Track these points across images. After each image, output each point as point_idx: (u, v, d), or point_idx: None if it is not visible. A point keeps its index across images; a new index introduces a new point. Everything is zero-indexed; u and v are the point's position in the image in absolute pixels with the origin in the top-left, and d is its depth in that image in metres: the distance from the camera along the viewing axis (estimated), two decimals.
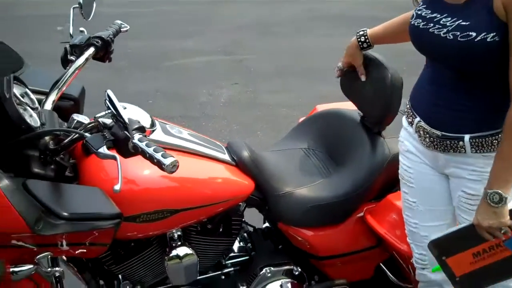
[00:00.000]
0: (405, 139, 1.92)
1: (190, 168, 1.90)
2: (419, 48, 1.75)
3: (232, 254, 2.23)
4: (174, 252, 1.99)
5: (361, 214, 2.13)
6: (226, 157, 2.04)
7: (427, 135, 1.78)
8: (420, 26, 1.70)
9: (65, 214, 1.54)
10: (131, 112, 1.82)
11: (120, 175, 1.48)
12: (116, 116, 1.54)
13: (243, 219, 2.18)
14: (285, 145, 2.32)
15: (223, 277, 2.21)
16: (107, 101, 1.56)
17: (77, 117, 1.83)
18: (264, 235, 2.28)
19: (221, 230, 2.07)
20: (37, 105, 1.82)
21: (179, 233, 2.00)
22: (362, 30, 2.10)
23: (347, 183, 2.10)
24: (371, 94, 2.11)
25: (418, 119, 1.81)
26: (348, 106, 2.35)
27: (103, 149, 1.54)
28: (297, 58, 6.01)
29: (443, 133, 1.73)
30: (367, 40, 2.08)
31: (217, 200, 1.94)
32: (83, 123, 1.81)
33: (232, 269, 2.21)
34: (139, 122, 1.58)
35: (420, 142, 1.83)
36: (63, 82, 1.95)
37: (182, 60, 6.04)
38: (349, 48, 2.13)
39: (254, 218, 2.34)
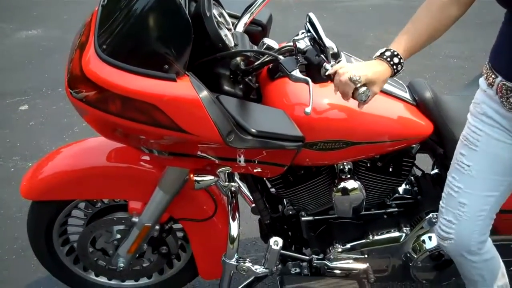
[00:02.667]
0: (482, 102, 1.76)
1: (371, 103, 1.89)
2: None
3: (397, 195, 2.21)
4: (342, 185, 2.02)
5: None
6: (407, 95, 2.01)
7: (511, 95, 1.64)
8: None
9: (254, 130, 1.62)
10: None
11: (311, 98, 1.52)
12: (316, 39, 1.56)
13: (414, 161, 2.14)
14: (469, 91, 2.22)
15: (385, 216, 2.21)
16: (307, 24, 1.58)
17: (267, 41, 1.88)
18: (433, 181, 2.23)
19: (390, 169, 2.06)
20: (231, 26, 1.89)
21: (349, 166, 2.03)
22: (391, 53, 1.65)
23: None
24: None
25: (500, 78, 1.66)
26: None
27: (296, 72, 1.58)
28: (484, 6, 5.66)
29: None
30: (402, 64, 1.66)
31: (393, 138, 1.92)
32: (273, 47, 1.86)
33: (396, 209, 2.20)
34: (333, 48, 1.59)
35: (502, 104, 1.68)
36: (255, 7, 2.00)
37: (353, 2, 5.94)
38: (382, 81, 1.64)
39: (422, 163, 2.30)
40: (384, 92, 1.94)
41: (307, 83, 1.55)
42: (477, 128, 1.77)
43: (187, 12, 1.71)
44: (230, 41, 1.80)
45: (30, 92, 4.25)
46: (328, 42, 1.67)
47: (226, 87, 1.77)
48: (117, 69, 1.56)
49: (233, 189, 1.94)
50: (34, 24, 5.34)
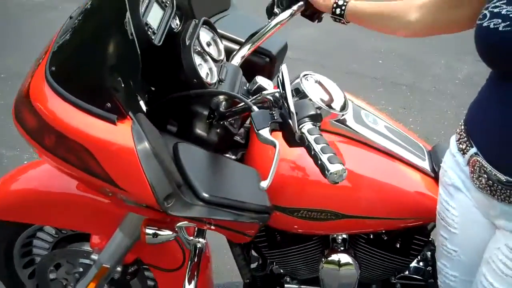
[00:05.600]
0: (450, 168, 1.44)
1: (375, 170, 1.57)
2: (493, 58, 1.25)
3: (405, 274, 1.87)
4: (333, 257, 1.70)
5: None
6: (425, 165, 1.66)
7: (484, 175, 1.30)
8: (501, 29, 1.18)
9: (205, 195, 1.31)
10: (319, 89, 1.52)
11: (273, 169, 1.21)
12: (282, 99, 1.25)
13: (430, 239, 1.79)
14: None
15: None
16: (279, 78, 1.28)
17: (259, 80, 1.59)
18: None
19: (398, 245, 1.72)
20: (222, 56, 1.61)
21: (344, 236, 1.70)
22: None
23: None
24: None
25: (474, 150, 1.34)
26: None
27: (265, 131, 1.27)
28: None
29: (509, 178, 1.26)
30: (342, 12, 1.66)
31: (400, 215, 1.59)
32: (264, 88, 1.57)
33: None
34: (318, 108, 1.28)
35: (471, 180, 1.36)
36: (260, 36, 1.71)
37: None
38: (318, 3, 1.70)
39: None
40: (396, 158, 1.60)
41: (274, 146, 1.24)
42: (449, 205, 1.46)
43: (160, 37, 1.45)
44: (213, 76, 1.52)
45: None
46: (326, 92, 1.38)
47: (199, 130, 1.49)
48: (60, 98, 1.31)
49: (199, 245, 1.64)
50: None
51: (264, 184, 1.18)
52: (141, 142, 1.23)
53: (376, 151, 1.58)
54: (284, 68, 1.27)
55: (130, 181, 1.27)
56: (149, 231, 1.52)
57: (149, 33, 1.41)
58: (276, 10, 1.73)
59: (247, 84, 1.63)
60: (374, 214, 1.57)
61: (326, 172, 1.18)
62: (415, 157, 1.64)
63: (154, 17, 1.47)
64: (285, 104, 1.23)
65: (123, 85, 1.24)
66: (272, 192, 1.44)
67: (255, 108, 1.35)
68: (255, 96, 1.43)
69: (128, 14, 1.21)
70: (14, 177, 1.90)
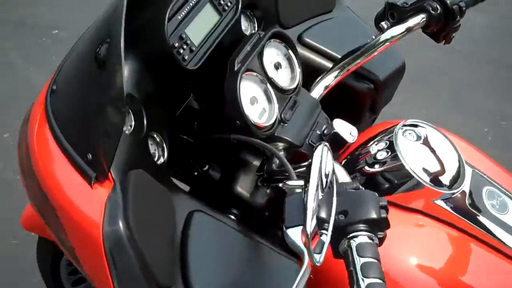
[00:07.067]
0: None
1: (489, 281, 1.05)
2: None
3: None
4: None
5: None
6: None
7: None
8: None
9: None
10: (422, 150, 1.03)
11: None
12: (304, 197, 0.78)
13: None
14: None
15: None
16: (310, 164, 0.80)
17: (337, 125, 1.12)
18: None
19: None
20: (296, 84, 1.16)
21: None
22: None
23: None
24: None
25: None
26: None
27: (295, 232, 0.82)
28: None
29: None
30: None
31: None
32: (343, 139, 1.10)
33: None
34: (383, 208, 0.79)
35: None
36: (359, 55, 1.22)
37: None
38: None
39: None
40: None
41: (302, 257, 0.78)
42: None
43: (201, 56, 1.04)
44: (271, 113, 1.09)
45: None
46: (445, 153, 0.94)
47: (240, 188, 1.08)
48: (49, 130, 0.98)
49: None
50: None
51: None
52: (113, 222, 0.83)
53: (496, 253, 1.06)
54: (325, 145, 0.80)
55: (93, 270, 0.90)
56: None
57: (182, 51, 1.01)
58: (384, 23, 1.23)
59: (324, 126, 1.16)
60: None
61: None
62: None
63: (200, 27, 1.06)
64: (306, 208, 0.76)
65: (113, 129, 0.86)
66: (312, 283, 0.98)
67: (297, 185, 0.91)
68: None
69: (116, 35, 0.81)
70: None
